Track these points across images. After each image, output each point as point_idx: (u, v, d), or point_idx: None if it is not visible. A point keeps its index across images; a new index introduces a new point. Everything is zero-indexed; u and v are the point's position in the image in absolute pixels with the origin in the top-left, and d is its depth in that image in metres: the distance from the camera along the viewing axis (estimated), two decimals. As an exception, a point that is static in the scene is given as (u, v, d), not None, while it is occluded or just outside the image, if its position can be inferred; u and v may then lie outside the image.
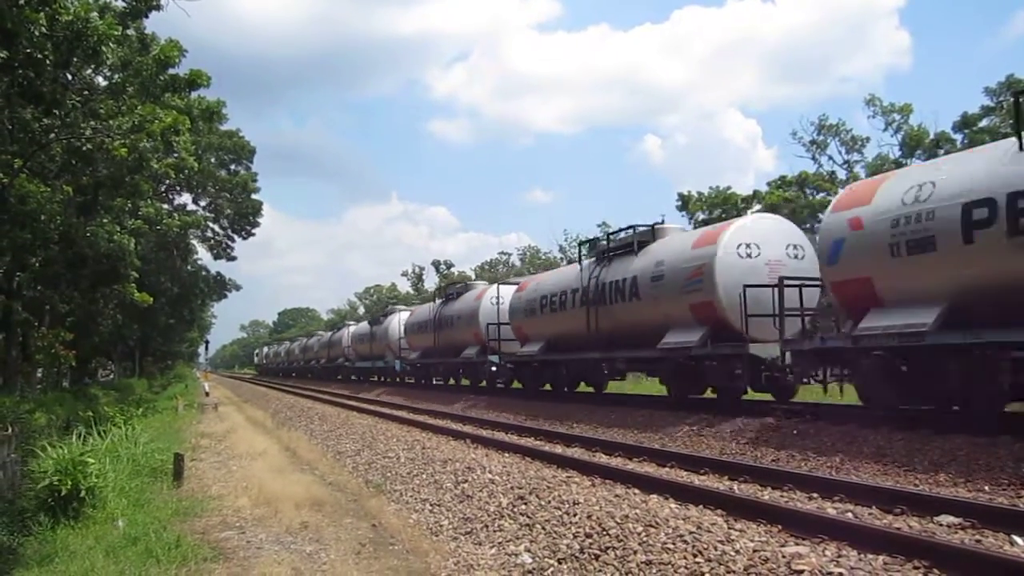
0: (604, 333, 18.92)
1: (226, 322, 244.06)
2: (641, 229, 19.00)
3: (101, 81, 19.36)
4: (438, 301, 33.59)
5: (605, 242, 20.55)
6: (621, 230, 20.20)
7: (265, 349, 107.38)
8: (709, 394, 17.00)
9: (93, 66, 17.48)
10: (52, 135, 17.16)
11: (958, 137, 37.04)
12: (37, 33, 12.68)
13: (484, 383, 27.60)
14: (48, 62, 13.48)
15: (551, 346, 22.14)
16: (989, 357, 10.00)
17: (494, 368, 25.79)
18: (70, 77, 17.30)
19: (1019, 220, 9.43)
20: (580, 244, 22.00)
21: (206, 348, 74.81)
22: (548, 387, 23.16)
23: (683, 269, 16.07)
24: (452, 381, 32.28)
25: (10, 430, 13.64)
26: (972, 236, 9.97)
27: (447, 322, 30.50)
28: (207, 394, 38.16)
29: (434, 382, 34.37)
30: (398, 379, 39.14)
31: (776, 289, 13.70)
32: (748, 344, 14.44)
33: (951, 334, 10.31)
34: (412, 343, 35.67)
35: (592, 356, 19.60)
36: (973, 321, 10.07)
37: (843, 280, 12.19)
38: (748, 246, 15.31)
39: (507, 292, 26.09)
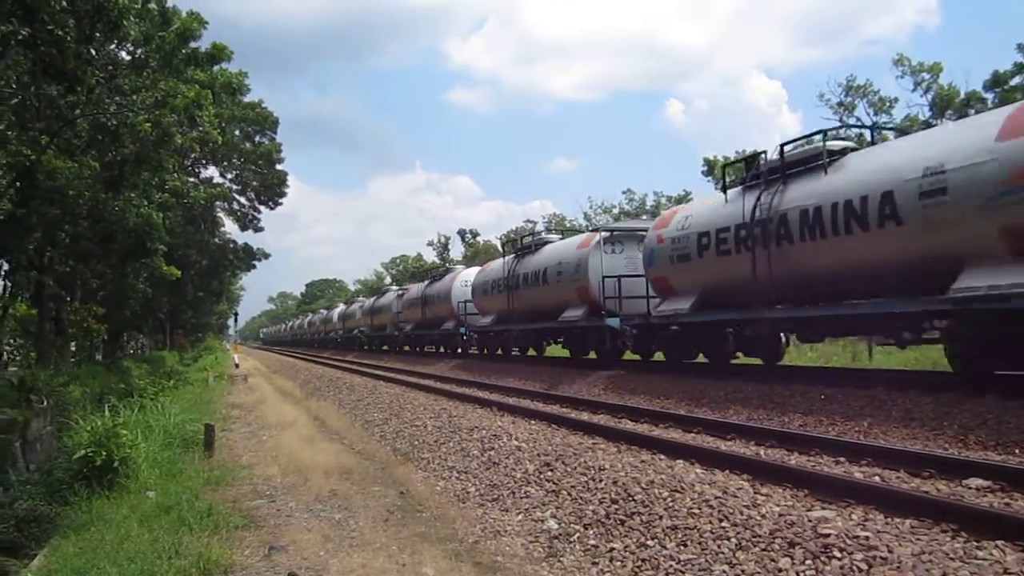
0: (516, 312, 24.74)
1: (255, 294, 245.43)
2: (541, 236, 26.47)
3: (124, 56, 19.46)
4: (425, 282, 38.96)
5: (518, 243, 27.39)
6: (530, 234, 28.63)
7: (266, 328, 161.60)
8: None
9: (116, 41, 17.57)
10: (77, 111, 17.28)
11: (989, 96, 35.82)
12: (57, 8, 12.70)
13: (460, 350, 33.85)
14: (70, 38, 13.51)
15: (499, 319, 26.95)
16: (720, 329, 16.09)
17: (464, 337, 31.75)
18: (93, 53, 17.39)
19: (720, 245, 14.89)
20: (504, 243, 27.22)
21: (235, 320, 75.51)
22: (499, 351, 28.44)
23: (571, 263, 21.23)
24: (441, 349, 38.40)
25: (45, 403, 13.94)
26: (703, 253, 15.45)
27: (431, 300, 36.19)
28: (237, 366, 38.63)
29: (425, 349, 40.77)
30: (397, 348, 44.75)
31: (618, 280, 19.17)
32: (606, 318, 19.03)
33: (698, 314, 15.89)
34: (407, 317, 40.60)
35: (534, 327, 24.27)
36: (711, 306, 15.65)
37: (655, 277, 17.54)
38: (612, 245, 20.26)
39: (472, 275, 32.02)
